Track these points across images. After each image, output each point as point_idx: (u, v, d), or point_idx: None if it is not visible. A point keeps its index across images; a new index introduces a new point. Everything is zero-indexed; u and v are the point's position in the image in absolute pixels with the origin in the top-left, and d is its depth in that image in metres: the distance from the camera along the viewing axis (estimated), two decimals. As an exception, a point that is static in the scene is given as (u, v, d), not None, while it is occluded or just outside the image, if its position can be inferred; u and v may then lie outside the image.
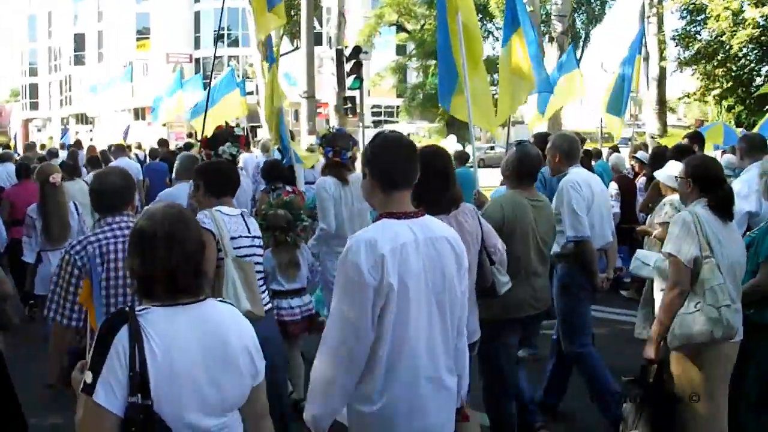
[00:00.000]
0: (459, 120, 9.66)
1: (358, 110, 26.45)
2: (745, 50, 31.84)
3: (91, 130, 70.39)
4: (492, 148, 48.53)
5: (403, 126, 57.51)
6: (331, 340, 3.63)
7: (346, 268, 3.58)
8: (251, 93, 34.73)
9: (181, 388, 3.01)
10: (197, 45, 75.26)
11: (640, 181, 12.73)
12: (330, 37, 35.17)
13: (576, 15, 49.18)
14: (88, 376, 2.94)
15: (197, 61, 73.18)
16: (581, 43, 55.89)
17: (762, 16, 29.60)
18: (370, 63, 33.68)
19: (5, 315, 6.32)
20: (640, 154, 13.85)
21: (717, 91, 33.29)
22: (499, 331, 6.13)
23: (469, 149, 16.75)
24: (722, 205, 5.46)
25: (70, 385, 3.36)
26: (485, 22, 53.80)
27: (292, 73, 32.64)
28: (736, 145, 9.72)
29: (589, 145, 17.84)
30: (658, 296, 5.62)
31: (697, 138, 12.04)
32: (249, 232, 5.94)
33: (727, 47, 31.22)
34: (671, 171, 8.08)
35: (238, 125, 9.20)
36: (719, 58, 32.21)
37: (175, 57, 70.43)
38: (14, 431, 6.15)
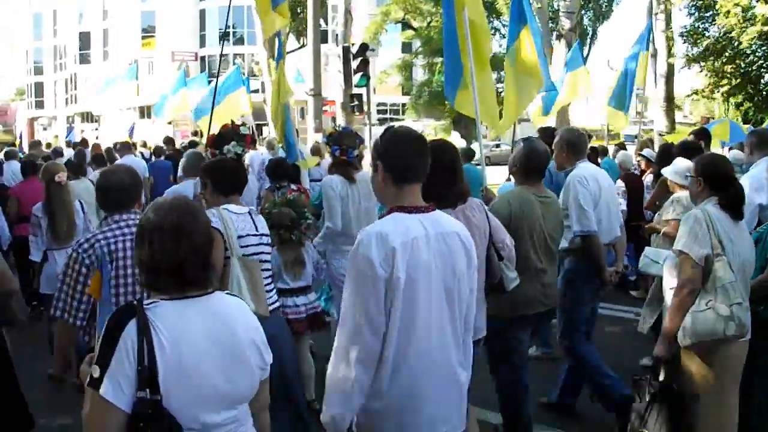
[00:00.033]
0: (465, 118, 9.66)
1: (365, 108, 26.39)
2: (754, 47, 31.70)
3: (96, 129, 70.46)
4: (498, 145, 48.52)
5: (410, 124, 57.39)
6: (346, 335, 3.57)
7: (358, 262, 3.56)
8: (256, 91, 34.73)
9: (190, 381, 2.98)
10: (203, 43, 75.26)
11: (647, 178, 12.69)
12: (336, 35, 35.10)
13: (583, 12, 49.02)
14: (95, 371, 2.91)
15: (202, 59, 73.17)
16: (588, 41, 55.74)
17: (772, 12, 29.54)
18: (376, 61, 33.64)
19: (11, 311, 6.30)
20: (646, 151, 13.81)
21: (725, 88, 33.16)
22: (509, 329, 6.12)
23: (474, 146, 16.74)
24: (733, 203, 5.46)
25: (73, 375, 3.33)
26: (492, 20, 53.64)
27: (301, 70, 32.57)
28: (745, 140, 9.69)
29: (594, 143, 17.83)
30: (668, 294, 5.57)
31: (703, 134, 12.00)
32: (257, 230, 5.93)
33: (736, 44, 31.09)
34: (678, 168, 8.07)
35: (243, 124, 9.16)
36: (728, 54, 32.08)
37: (181, 55, 70.44)
38: (20, 427, 6.16)
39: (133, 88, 42.06)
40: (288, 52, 23.94)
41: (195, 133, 27.93)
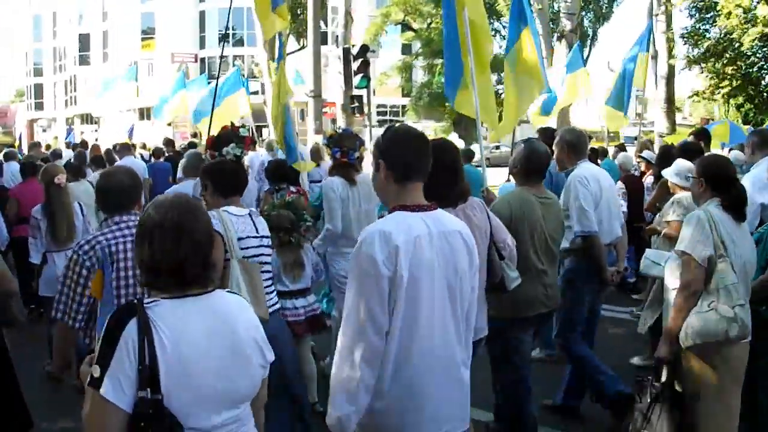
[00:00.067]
0: (466, 119, 9.68)
1: (365, 109, 26.39)
2: (755, 48, 31.75)
3: (96, 131, 70.48)
4: (497, 147, 48.45)
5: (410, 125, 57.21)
6: (350, 335, 3.54)
7: (361, 260, 3.53)
8: (256, 93, 34.73)
9: (191, 381, 2.95)
10: (202, 45, 75.24)
11: (647, 180, 12.68)
12: (336, 36, 35.14)
13: (583, 14, 49.07)
14: (96, 370, 2.87)
15: (202, 60, 73.12)
16: (589, 42, 55.77)
17: (773, 13, 29.56)
18: (376, 62, 33.67)
19: (11, 311, 6.32)
20: (646, 153, 13.78)
21: (726, 90, 33.21)
22: (510, 329, 6.10)
23: (474, 147, 16.75)
24: (735, 204, 5.46)
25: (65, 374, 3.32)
26: (492, 21, 53.68)
27: (301, 72, 32.60)
28: (746, 140, 9.68)
29: (594, 144, 17.81)
30: (671, 295, 5.56)
31: (703, 135, 12.02)
32: (257, 232, 5.91)
33: (737, 45, 31.13)
34: (679, 169, 8.06)
35: (243, 126, 9.15)
36: (728, 55, 32.13)
37: (180, 57, 70.33)
38: (20, 427, 6.17)
39: (133, 90, 42.06)
40: (288, 54, 23.96)
41: (194, 135, 27.97)
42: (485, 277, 5.30)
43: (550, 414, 7.50)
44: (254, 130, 18.93)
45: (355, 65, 25.38)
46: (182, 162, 10.99)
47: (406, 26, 60.05)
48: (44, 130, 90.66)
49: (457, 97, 8.93)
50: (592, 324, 7.75)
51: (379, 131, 4.64)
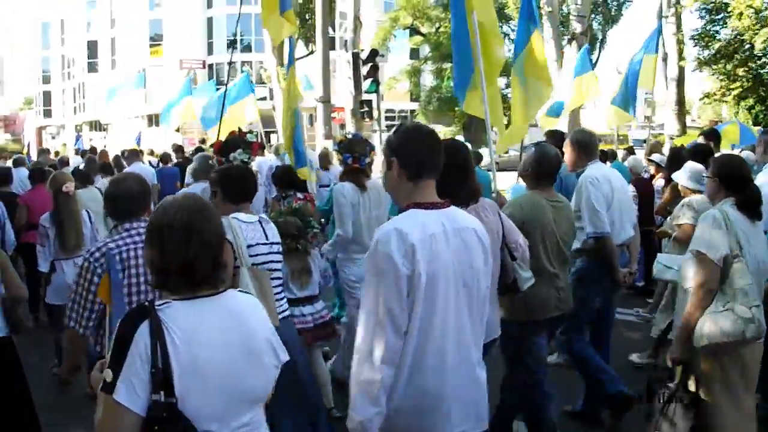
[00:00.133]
0: (475, 123, 9.66)
1: (374, 114, 26.39)
2: (766, 49, 31.67)
3: (104, 137, 70.67)
4: (506, 151, 48.44)
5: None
6: (368, 336, 3.51)
7: (378, 259, 3.50)
8: (264, 98, 34.76)
9: (205, 382, 2.93)
10: (210, 51, 75.33)
11: (658, 183, 12.63)
12: (345, 41, 35.18)
13: (592, 17, 48.97)
14: (108, 375, 2.85)
15: (210, 66, 73.31)
16: (598, 45, 55.68)
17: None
18: (384, 67, 33.72)
19: (19, 318, 6.34)
20: (656, 156, 13.72)
21: (737, 91, 33.16)
22: (523, 331, 6.07)
23: (482, 151, 16.70)
24: (749, 204, 5.43)
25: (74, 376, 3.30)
26: (501, 25, 53.65)
27: (310, 77, 32.68)
28: (757, 140, 9.65)
29: (604, 147, 17.77)
30: (685, 295, 5.51)
31: (713, 135, 12.01)
32: (267, 238, 5.88)
33: (748, 46, 31.08)
34: (690, 172, 8.03)
35: (251, 131, 9.14)
36: (739, 57, 32.08)
37: (189, 63, 70.57)
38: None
39: (141, 97, 42.24)
40: (297, 59, 24.01)
41: (202, 141, 28.01)
42: (498, 278, 5.27)
43: (570, 420, 7.44)
44: (263, 136, 18.92)
45: (364, 70, 25.43)
46: (191, 166, 11.00)
47: (414, 30, 59.98)
48: (53, 138, 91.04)
49: (466, 98, 8.89)
50: (607, 327, 7.73)
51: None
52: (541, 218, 6.14)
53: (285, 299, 6.26)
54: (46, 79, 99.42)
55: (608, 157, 16.03)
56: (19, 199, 11.65)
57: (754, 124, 32.77)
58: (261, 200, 13.14)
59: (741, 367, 5.33)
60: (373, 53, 26.03)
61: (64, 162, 20.58)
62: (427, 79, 66.30)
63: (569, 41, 28.94)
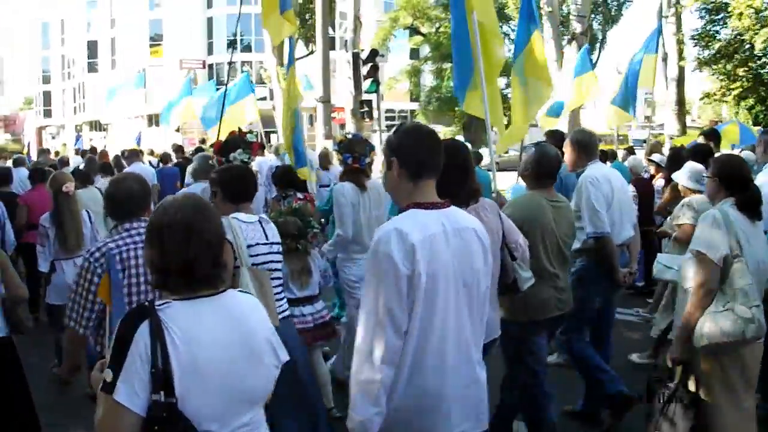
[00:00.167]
0: (475, 124, 9.66)
1: (374, 114, 26.39)
2: (766, 49, 31.66)
3: (104, 137, 70.64)
4: (506, 151, 48.42)
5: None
6: (369, 336, 3.50)
7: (379, 260, 3.49)
8: (264, 98, 34.75)
9: (205, 382, 2.92)
10: (210, 51, 75.25)
11: (658, 183, 12.63)
12: (345, 41, 35.18)
13: (592, 17, 48.93)
14: (108, 375, 2.84)
15: (210, 66, 73.24)
16: (598, 45, 55.63)
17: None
18: (384, 67, 33.70)
19: (18, 318, 6.34)
20: (656, 156, 13.71)
21: (737, 91, 33.16)
22: (523, 332, 6.07)
23: (482, 151, 16.70)
24: (750, 204, 5.43)
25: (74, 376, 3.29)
26: (501, 25, 53.60)
27: (310, 77, 32.70)
28: (757, 139, 9.65)
29: (603, 147, 17.76)
30: (685, 294, 5.51)
31: (712, 135, 12.02)
32: (267, 238, 5.88)
33: (748, 46, 31.08)
34: (690, 172, 8.03)
35: (251, 131, 9.14)
36: (739, 56, 32.09)
37: (189, 63, 70.50)
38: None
39: (141, 97, 42.25)
40: (297, 59, 24.03)
41: (202, 141, 28.02)
42: (498, 278, 5.26)
43: (570, 420, 7.44)
44: (263, 136, 18.94)
45: (364, 70, 25.42)
46: (191, 165, 11.00)
47: (414, 30, 59.96)
48: (53, 137, 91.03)
49: (466, 98, 8.89)
50: (607, 327, 7.73)
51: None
52: (541, 218, 6.13)
53: (285, 299, 6.26)
54: (46, 79, 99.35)
55: (608, 157, 16.03)
56: (19, 199, 11.65)
57: (754, 124, 32.77)
58: (261, 200, 13.13)
59: (741, 368, 5.33)
60: (373, 53, 26.02)
61: (64, 162, 20.57)
62: (427, 79, 66.30)
63: (569, 41, 28.93)
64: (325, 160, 15.97)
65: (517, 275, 5.50)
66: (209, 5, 75.51)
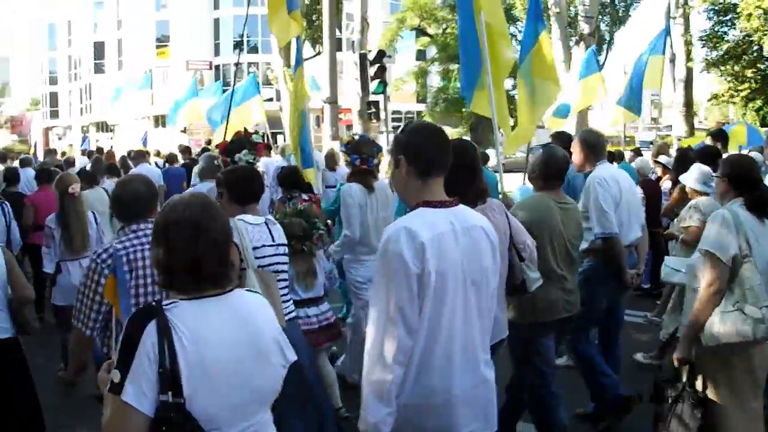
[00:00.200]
0: (482, 125, 9.64)
1: (381, 115, 26.38)
2: (775, 50, 31.60)
3: (111, 138, 70.71)
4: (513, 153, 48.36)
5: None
6: (379, 336, 3.49)
7: (388, 259, 3.48)
8: (270, 99, 34.76)
9: (213, 382, 2.91)
10: (217, 52, 75.26)
11: (665, 185, 12.60)
12: (352, 42, 35.17)
13: (600, 18, 48.86)
14: (116, 375, 2.83)
15: (217, 68, 73.24)
16: (605, 46, 55.55)
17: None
18: (391, 68, 33.66)
19: (25, 318, 6.34)
20: (663, 158, 13.68)
21: (745, 92, 33.07)
22: (530, 333, 6.08)
23: (489, 152, 16.69)
24: (759, 204, 5.41)
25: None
26: (509, 26, 53.45)
27: (317, 78, 32.73)
28: (764, 141, 9.63)
29: (610, 148, 17.73)
30: (693, 295, 5.48)
31: (720, 136, 11.98)
32: (273, 240, 5.87)
33: (756, 47, 31.00)
34: (697, 175, 8.01)
35: (256, 132, 9.14)
36: (747, 58, 32.00)
37: (195, 64, 70.49)
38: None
39: (148, 97, 42.22)
40: (304, 60, 24.10)
41: (208, 142, 28.04)
42: (505, 278, 5.25)
43: (581, 423, 7.42)
44: (269, 137, 18.93)
45: (371, 71, 25.42)
46: (198, 166, 10.99)
47: (421, 31, 59.88)
48: (60, 138, 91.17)
49: (474, 97, 8.88)
50: (616, 328, 7.71)
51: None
52: (549, 220, 6.14)
53: (291, 300, 6.25)
54: (53, 80, 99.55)
55: (615, 158, 16.00)
56: (26, 200, 11.67)
57: (762, 126, 32.76)
58: (266, 201, 13.12)
59: (749, 368, 5.31)
60: (380, 54, 26.03)
61: (70, 163, 20.62)
62: (434, 81, 66.17)
63: (577, 42, 28.87)
64: (331, 160, 15.98)
65: (525, 276, 5.49)
66: (216, 6, 75.52)
